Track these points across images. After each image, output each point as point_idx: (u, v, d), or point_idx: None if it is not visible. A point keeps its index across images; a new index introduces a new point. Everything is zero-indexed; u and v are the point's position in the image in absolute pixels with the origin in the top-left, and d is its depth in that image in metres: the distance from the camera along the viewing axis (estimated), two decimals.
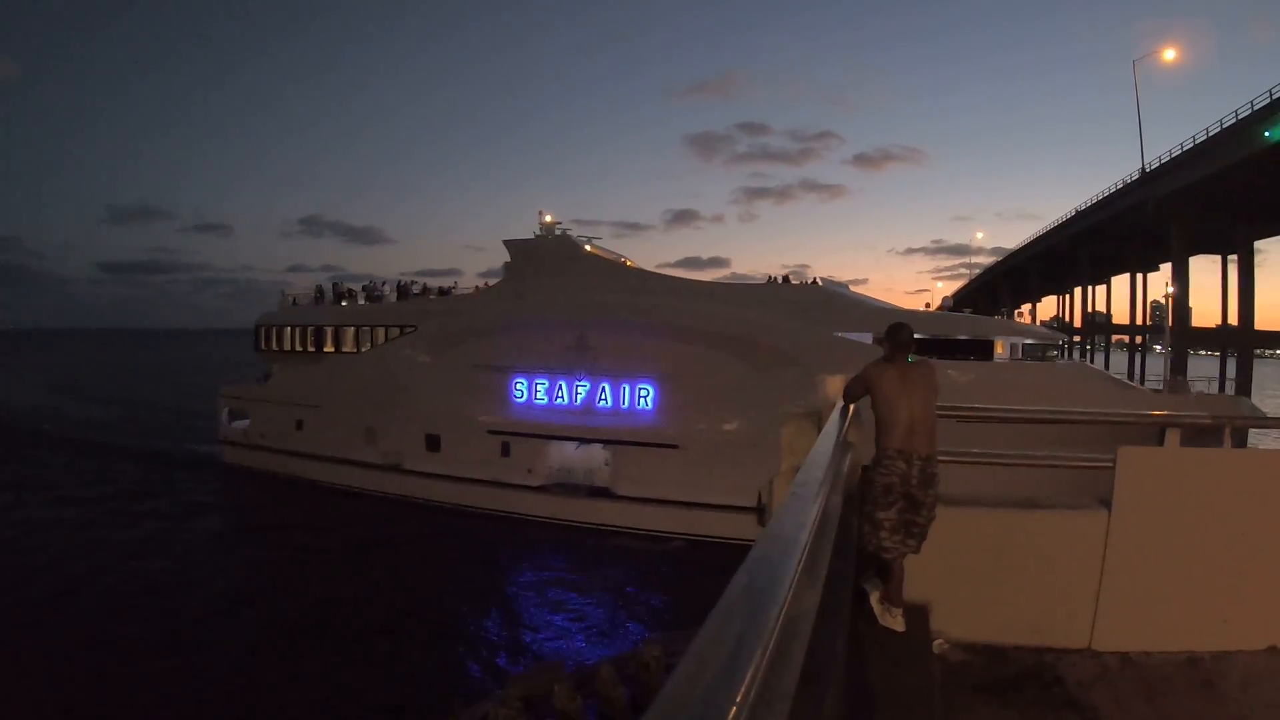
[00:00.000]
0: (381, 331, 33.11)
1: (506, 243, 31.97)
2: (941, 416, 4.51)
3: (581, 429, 28.36)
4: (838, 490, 3.46)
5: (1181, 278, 50.42)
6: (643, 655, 14.39)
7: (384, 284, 37.28)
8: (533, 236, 31.90)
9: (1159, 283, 68.92)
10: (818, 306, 27.12)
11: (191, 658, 17.43)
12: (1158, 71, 49.73)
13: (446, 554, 25.76)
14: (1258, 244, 50.04)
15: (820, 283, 29.57)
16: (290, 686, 16.29)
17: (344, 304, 36.47)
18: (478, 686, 15.58)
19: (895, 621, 4.25)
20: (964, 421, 5.86)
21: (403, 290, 35.94)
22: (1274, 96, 34.97)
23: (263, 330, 36.62)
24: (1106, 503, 4.91)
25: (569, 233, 31.97)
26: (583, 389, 28.50)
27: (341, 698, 15.85)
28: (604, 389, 28.28)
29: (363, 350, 33.48)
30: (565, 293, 29.55)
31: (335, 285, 37.72)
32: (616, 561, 24.99)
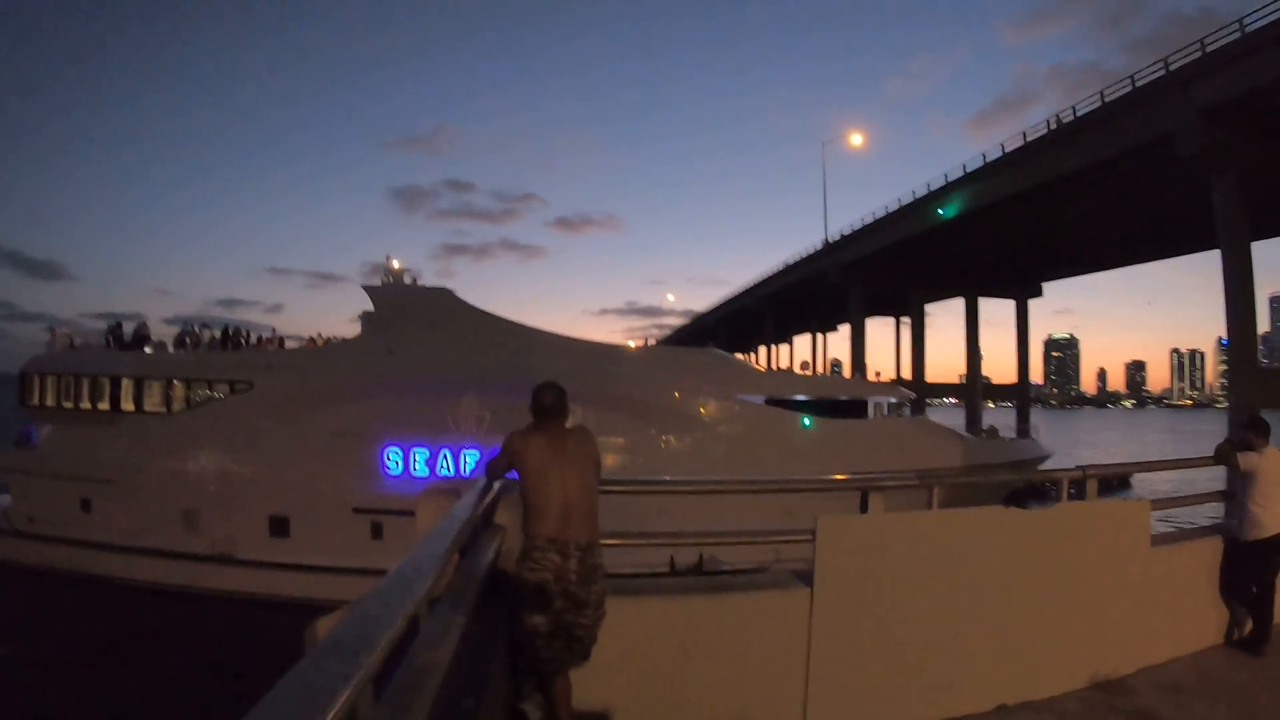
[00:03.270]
0: (203, 388, 27.44)
1: (369, 289, 27.91)
2: (606, 494, 3.97)
3: None
4: (471, 589, 2.92)
5: (859, 336, 57.17)
6: None
7: (202, 328, 30.76)
8: (382, 284, 28.47)
9: (837, 341, 78.56)
10: (715, 369, 26.74)
11: None
12: (845, 154, 56.88)
13: None
14: (928, 307, 58.70)
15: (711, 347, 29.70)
16: None
17: (147, 350, 29.51)
18: None
19: None
20: (638, 495, 5.36)
21: (228, 337, 29.94)
22: (948, 180, 41.21)
23: (31, 380, 29.24)
24: (807, 577, 4.58)
25: (418, 281, 28.98)
26: (471, 458, 24.92)
27: None
28: None
29: (176, 411, 27.48)
30: (446, 350, 26.28)
31: (138, 327, 30.41)
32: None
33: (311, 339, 30.78)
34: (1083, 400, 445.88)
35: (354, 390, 26.16)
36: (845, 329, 63.07)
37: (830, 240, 55.62)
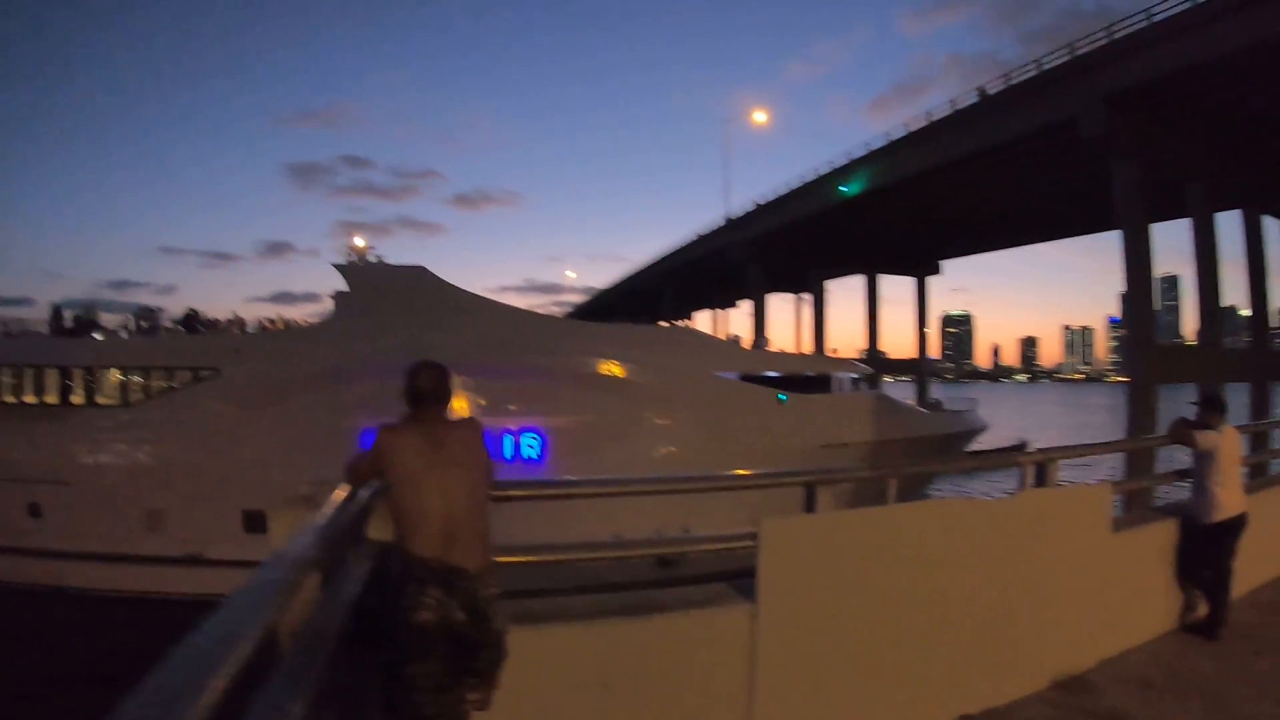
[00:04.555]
0: (162, 376, 25.67)
1: (342, 268, 26.45)
2: (500, 499, 3.41)
3: None
4: (331, 632, 2.24)
5: (759, 313, 56.17)
6: None
7: (161, 311, 29.72)
8: (348, 263, 27.22)
9: (737, 317, 77.64)
10: (693, 347, 27.20)
11: None
12: (746, 133, 55.63)
13: None
14: (828, 284, 58.31)
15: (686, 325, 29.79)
16: None
17: (96, 336, 27.75)
18: None
19: None
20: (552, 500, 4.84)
21: (189, 321, 28.62)
22: (851, 158, 40.03)
23: None
24: (748, 588, 3.99)
25: (383, 259, 28.12)
26: None
27: None
28: None
29: (134, 402, 25.57)
30: (426, 330, 24.93)
31: (84, 311, 29.34)
32: None
33: (270, 321, 29.56)
34: (977, 374, 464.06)
35: (331, 374, 24.86)
36: (746, 305, 62.23)
37: (731, 217, 54.23)
